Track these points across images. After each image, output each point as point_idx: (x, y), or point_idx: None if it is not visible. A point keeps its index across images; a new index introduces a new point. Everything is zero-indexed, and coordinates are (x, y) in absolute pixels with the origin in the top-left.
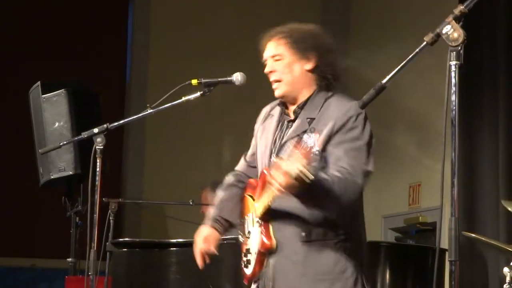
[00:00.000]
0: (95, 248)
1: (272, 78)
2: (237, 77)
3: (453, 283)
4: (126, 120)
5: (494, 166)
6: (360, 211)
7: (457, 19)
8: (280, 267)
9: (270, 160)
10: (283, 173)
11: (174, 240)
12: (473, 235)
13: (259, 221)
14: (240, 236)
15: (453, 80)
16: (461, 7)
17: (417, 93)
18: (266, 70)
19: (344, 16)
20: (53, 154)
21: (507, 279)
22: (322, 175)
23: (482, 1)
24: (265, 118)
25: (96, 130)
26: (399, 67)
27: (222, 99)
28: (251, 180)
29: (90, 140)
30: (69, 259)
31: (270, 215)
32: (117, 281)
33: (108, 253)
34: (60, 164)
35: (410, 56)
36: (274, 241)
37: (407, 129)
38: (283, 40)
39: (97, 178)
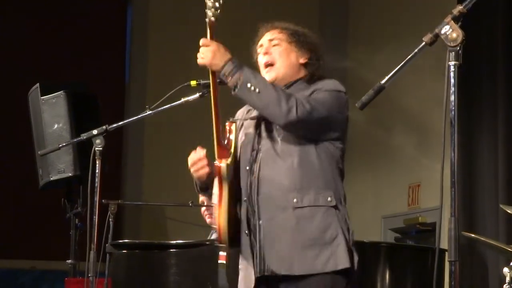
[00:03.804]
0: (94, 250)
1: (265, 59)
2: None
3: (453, 283)
4: (125, 121)
5: (493, 166)
6: (343, 174)
7: (455, 19)
8: (271, 234)
9: (251, 154)
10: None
11: (174, 242)
12: (472, 235)
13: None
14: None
15: (452, 80)
16: (459, 7)
17: (416, 93)
18: (262, 51)
19: (342, 16)
20: (52, 156)
21: (507, 279)
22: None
23: (481, 1)
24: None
25: (95, 132)
26: (398, 67)
27: (221, 100)
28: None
29: (89, 142)
30: (69, 261)
31: (263, 185)
32: (117, 282)
33: (107, 255)
34: (59, 166)
35: (409, 57)
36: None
37: (406, 130)
38: (284, 30)
39: (97, 179)
